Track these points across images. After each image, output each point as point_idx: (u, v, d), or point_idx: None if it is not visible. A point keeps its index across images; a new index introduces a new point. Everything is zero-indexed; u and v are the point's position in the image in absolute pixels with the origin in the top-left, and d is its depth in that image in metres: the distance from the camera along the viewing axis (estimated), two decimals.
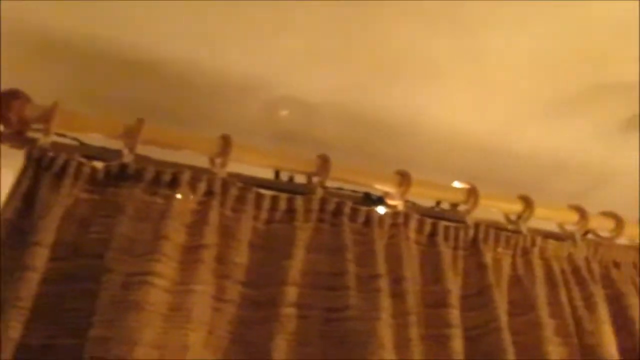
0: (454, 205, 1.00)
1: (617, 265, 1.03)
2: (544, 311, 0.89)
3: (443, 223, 0.92)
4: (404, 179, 0.93)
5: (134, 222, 0.72)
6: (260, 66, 1.00)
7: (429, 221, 0.91)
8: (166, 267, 0.69)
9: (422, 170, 1.21)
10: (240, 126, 1.13)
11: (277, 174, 0.93)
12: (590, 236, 1.07)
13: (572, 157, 1.27)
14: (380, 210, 0.91)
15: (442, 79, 1.05)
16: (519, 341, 0.88)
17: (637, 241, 1.11)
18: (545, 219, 1.07)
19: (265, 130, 1.14)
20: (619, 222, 1.08)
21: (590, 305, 0.92)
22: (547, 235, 1.03)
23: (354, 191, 0.95)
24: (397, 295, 0.79)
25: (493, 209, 1.01)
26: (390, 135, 1.14)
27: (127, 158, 0.78)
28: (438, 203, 1.03)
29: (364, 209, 0.87)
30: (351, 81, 1.06)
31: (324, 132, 1.15)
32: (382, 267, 0.80)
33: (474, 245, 0.93)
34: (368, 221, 0.86)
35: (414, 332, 0.76)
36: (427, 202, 1.03)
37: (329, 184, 0.92)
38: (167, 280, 0.68)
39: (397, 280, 0.81)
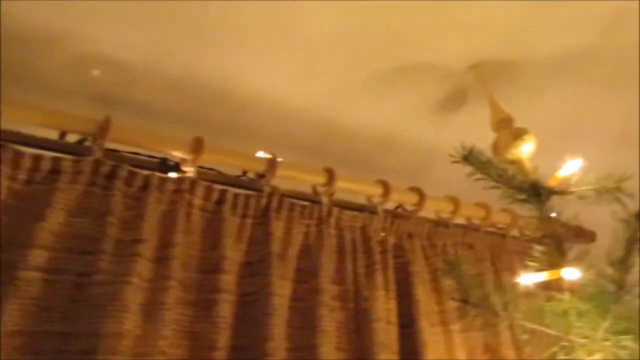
0: (260, 176, 1.01)
1: (410, 236, 1.10)
2: (325, 278, 0.94)
3: (232, 191, 0.92)
4: (197, 145, 0.92)
5: None
6: (66, 18, 0.93)
7: (217, 188, 0.91)
8: None
9: (239, 138, 1.22)
10: (46, 83, 1.06)
11: (62, 134, 0.88)
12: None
13: (401, 133, 1.32)
14: (172, 176, 0.90)
15: (257, 49, 1.04)
16: (299, 306, 0.93)
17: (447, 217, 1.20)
18: (349, 191, 1.11)
19: (77, 91, 1.08)
20: (421, 196, 1.15)
21: (370, 273, 0.98)
22: (351, 207, 1.08)
23: (150, 157, 0.93)
24: (161, 260, 0.79)
25: (296, 180, 1.04)
26: (206, 102, 1.12)
27: None
28: (244, 172, 1.04)
29: (142, 173, 0.85)
30: (165, 44, 1.02)
31: (139, 95, 1.11)
32: (148, 232, 0.79)
33: (265, 214, 0.95)
34: (145, 186, 0.84)
35: (172, 297, 0.77)
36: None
37: (126, 148, 0.89)
38: None
39: (165, 246, 0.80)
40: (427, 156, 1.40)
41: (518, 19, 1.01)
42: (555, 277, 0.78)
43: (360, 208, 1.10)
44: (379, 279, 0.97)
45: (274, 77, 1.11)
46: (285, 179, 1.04)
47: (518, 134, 0.94)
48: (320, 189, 1.05)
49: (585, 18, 1.02)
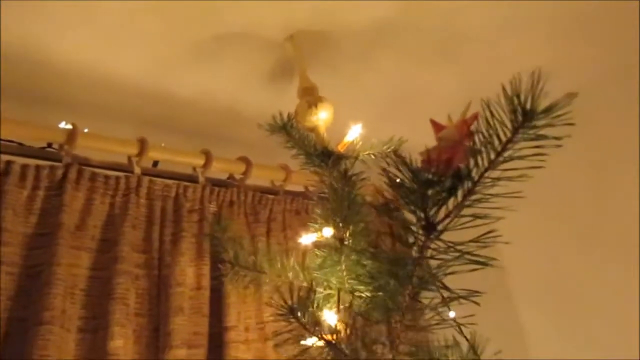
0: (61, 146, 0.99)
1: (231, 203, 1.12)
2: (126, 247, 0.94)
3: (20, 162, 0.90)
4: None
5: None
6: None
7: (2, 160, 0.89)
8: None
9: (64, 112, 1.19)
10: None
11: None
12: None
13: (237, 103, 1.32)
14: None
15: (63, 18, 1.00)
16: (100, 276, 0.93)
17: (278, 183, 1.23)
18: (168, 161, 1.12)
19: None
20: (248, 165, 1.18)
21: (175, 240, 1.00)
22: (167, 176, 1.08)
23: None
24: None
25: (103, 150, 1.03)
26: (24, 73, 1.07)
27: None
28: (49, 144, 1.01)
29: None
30: None
31: None
32: None
33: (61, 186, 0.93)
34: None
35: None
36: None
37: None
38: None
39: None
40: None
41: None
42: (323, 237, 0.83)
43: (186, 178, 1.11)
44: (184, 245, 0.99)
45: (87, 47, 1.08)
46: (98, 151, 1.03)
47: (312, 102, 0.97)
48: (134, 160, 1.05)
49: None
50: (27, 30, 1.00)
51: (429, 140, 0.78)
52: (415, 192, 0.47)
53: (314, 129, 0.98)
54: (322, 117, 0.98)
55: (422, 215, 0.49)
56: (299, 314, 0.63)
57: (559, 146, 0.46)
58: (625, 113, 1.60)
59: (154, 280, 0.96)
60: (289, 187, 1.25)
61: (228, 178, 1.22)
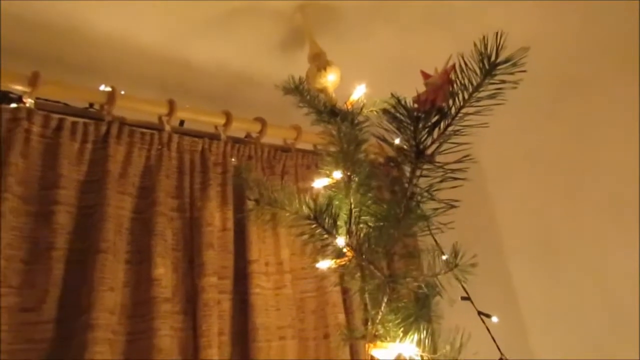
0: (102, 106, 1.13)
1: (250, 157, 1.27)
2: (162, 192, 1.10)
3: (71, 119, 1.05)
4: (34, 78, 1.02)
5: None
6: None
7: (55, 117, 1.03)
8: None
9: (99, 77, 1.32)
10: None
11: None
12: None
13: (253, 70, 1.45)
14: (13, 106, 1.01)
15: None
16: (140, 218, 1.09)
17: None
18: (194, 120, 1.26)
19: None
20: (264, 125, 1.32)
21: (204, 188, 1.15)
22: (193, 134, 1.23)
23: None
24: None
25: (140, 111, 1.17)
26: (57, 41, 1.20)
27: None
28: (91, 105, 1.15)
29: None
30: None
31: None
32: None
33: (105, 140, 1.08)
34: None
35: (6, 207, 0.90)
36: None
37: None
38: None
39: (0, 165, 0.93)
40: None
41: None
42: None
43: (209, 136, 1.26)
44: (212, 192, 1.14)
45: (115, 18, 1.21)
46: (132, 111, 1.18)
47: (321, 66, 1.11)
48: (164, 119, 1.19)
49: None
50: (71, 4, 1.13)
51: None
52: (408, 125, 0.62)
53: (323, 90, 1.12)
54: (330, 79, 1.12)
55: (414, 143, 0.63)
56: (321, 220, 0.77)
57: (515, 87, 0.61)
58: (613, 80, 1.73)
59: (187, 222, 1.12)
60: (300, 145, 1.39)
61: (245, 137, 1.36)
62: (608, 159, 1.83)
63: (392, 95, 0.65)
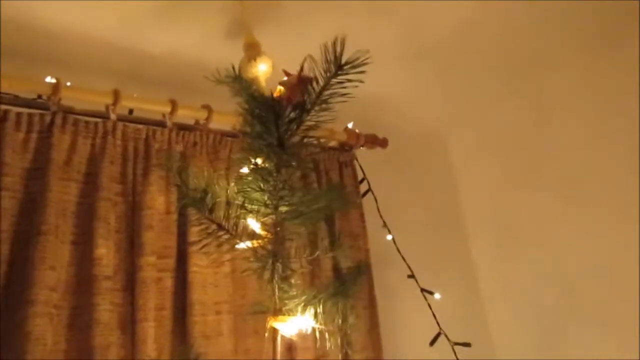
0: (48, 97, 1.19)
1: (195, 144, 1.34)
2: (106, 178, 1.17)
3: (15, 111, 1.12)
4: None
5: None
6: None
7: (1, 109, 1.11)
8: None
9: (57, 70, 1.38)
10: None
11: None
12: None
13: (202, 58, 1.50)
14: None
15: None
16: (85, 202, 1.17)
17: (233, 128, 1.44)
18: (140, 109, 1.32)
19: None
20: (210, 112, 1.38)
21: (146, 174, 1.23)
22: (140, 121, 1.30)
23: None
24: None
25: (83, 100, 1.23)
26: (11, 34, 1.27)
27: None
28: (39, 96, 1.22)
29: None
30: None
31: None
32: None
33: (49, 129, 1.15)
34: None
35: None
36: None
37: None
38: None
39: None
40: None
41: None
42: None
43: (156, 123, 1.32)
44: (153, 178, 1.22)
45: (68, 9, 1.26)
46: (81, 101, 1.24)
47: (252, 56, 1.16)
48: (110, 108, 1.26)
49: None
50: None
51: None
52: (270, 121, 0.68)
53: (254, 80, 1.17)
54: (261, 69, 1.17)
55: (276, 135, 0.69)
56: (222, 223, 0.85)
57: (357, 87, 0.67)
58: (562, 57, 1.75)
59: (130, 206, 1.20)
60: None
61: (195, 124, 1.42)
62: (564, 139, 1.87)
63: (253, 94, 0.71)
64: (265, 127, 0.69)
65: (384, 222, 1.59)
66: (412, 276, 1.55)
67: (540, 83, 1.89)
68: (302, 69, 0.71)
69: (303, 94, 0.67)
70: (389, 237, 1.56)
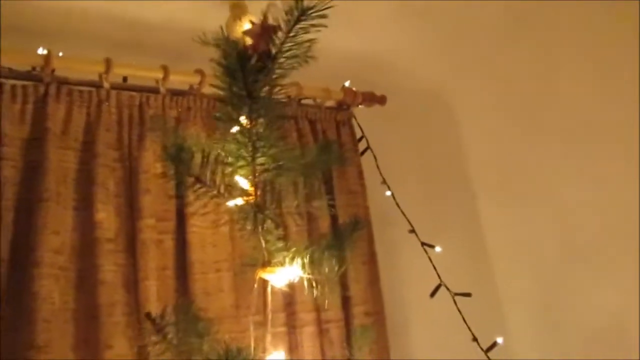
0: (42, 69, 1.22)
1: (189, 109, 1.36)
2: (103, 145, 1.21)
3: (10, 82, 1.15)
4: None
5: None
6: None
7: None
8: None
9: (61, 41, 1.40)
10: None
11: None
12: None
13: (200, 24, 1.50)
14: None
15: None
16: (84, 169, 1.21)
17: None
18: (131, 75, 1.34)
19: None
20: (203, 76, 1.39)
21: (141, 139, 1.26)
22: (134, 89, 1.32)
23: None
24: None
25: (76, 70, 1.25)
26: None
27: None
28: (34, 68, 1.25)
29: None
30: None
31: None
32: None
33: (44, 100, 1.18)
34: None
35: None
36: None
37: None
38: None
39: None
40: None
41: None
42: None
43: (150, 90, 1.34)
44: (148, 143, 1.25)
45: None
46: (74, 71, 1.26)
47: (237, 15, 1.16)
48: (103, 76, 1.28)
49: None
50: None
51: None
52: (238, 71, 0.69)
53: (240, 39, 1.17)
54: (247, 28, 1.16)
55: (242, 84, 0.70)
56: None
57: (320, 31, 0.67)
58: (567, 6, 1.70)
59: (127, 171, 1.24)
60: None
61: (189, 89, 1.44)
62: (569, 91, 1.83)
63: (220, 44, 0.72)
64: (233, 77, 0.70)
65: (383, 178, 1.59)
66: (412, 231, 1.56)
67: (545, 34, 1.84)
68: (265, 17, 0.71)
69: (267, 43, 0.68)
70: (388, 193, 1.57)
